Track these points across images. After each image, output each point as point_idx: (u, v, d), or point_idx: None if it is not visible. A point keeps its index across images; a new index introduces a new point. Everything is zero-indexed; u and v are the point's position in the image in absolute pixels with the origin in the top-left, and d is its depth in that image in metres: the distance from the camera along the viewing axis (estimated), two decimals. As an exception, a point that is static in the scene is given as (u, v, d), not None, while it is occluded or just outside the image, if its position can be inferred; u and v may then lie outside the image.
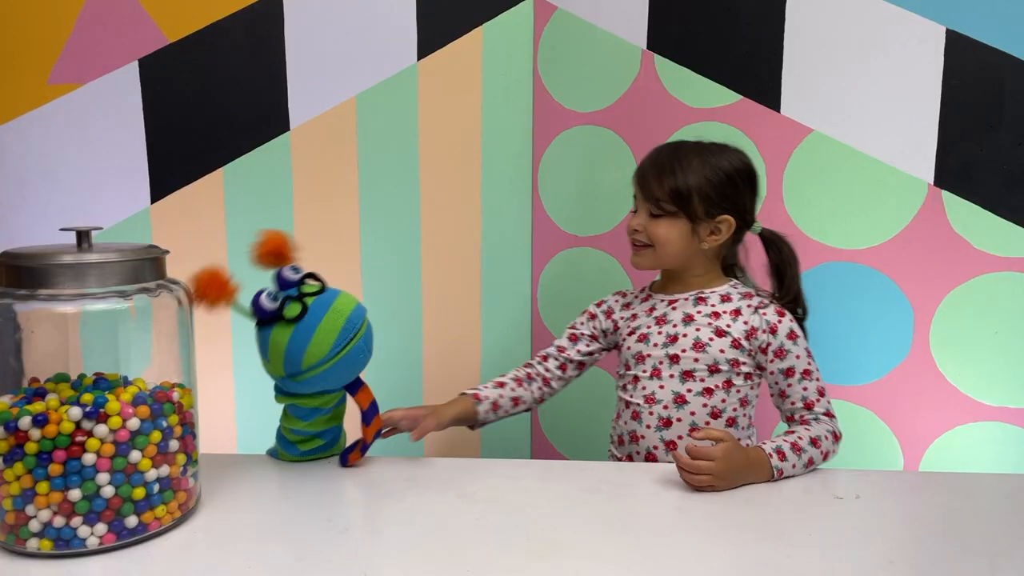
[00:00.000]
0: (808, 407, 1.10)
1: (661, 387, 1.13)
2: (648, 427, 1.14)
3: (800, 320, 1.16)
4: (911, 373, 1.45)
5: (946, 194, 1.39)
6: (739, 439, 1.11)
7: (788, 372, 1.10)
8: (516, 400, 1.19)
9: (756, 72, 1.50)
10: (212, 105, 1.53)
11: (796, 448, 1.01)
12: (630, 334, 1.19)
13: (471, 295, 1.77)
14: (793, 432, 1.05)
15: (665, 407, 1.13)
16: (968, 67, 1.35)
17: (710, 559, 0.76)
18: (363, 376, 1.01)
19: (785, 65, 1.48)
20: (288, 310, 0.88)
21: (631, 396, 1.16)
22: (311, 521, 0.83)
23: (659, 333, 1.15)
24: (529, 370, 1.24)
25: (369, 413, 1.00)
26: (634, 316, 1.21)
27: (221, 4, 1.51)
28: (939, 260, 1.41)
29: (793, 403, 1.10)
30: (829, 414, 1.10)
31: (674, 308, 1.16)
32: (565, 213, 1.75)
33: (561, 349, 1.25)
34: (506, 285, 1.80)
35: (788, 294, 1.16)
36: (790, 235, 1.50)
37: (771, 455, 0.99)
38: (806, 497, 0.93)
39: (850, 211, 1.46)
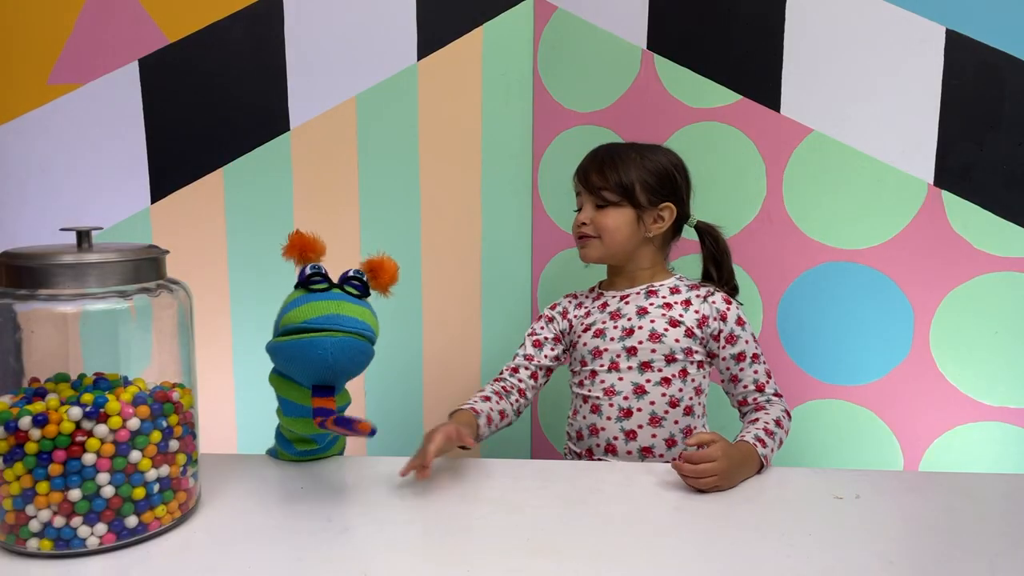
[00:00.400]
0: (759, 389, 1.15)
1: (620, 379, 1.16)
2: (608, 419, 1.16)
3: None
4: (911, 373, 1.45)
5: (946, 194, 1.39)
6: (695, 427, 1.17)
7: (739, 357, 1.15)
8: (502, 413, 1.18)
9: (756, 72, 1.50)
10: (212, 105, 1.53)
11: (769, 433, 1.05)
12: (585, 331, 1.21)
13: (471, 295, 1.77)
14: (757, 419, 1.09)
15: (625, 398, 1.15)
16: (968, 67, 1.35)
17: (710, 559, 0.76)
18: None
19: (785, 65, 1.48)
20: (315, 284, 0.89)
21: (589, 391, 1.18)
22: (311, 521, 0.83)
23: (615, 328, 1.18)
24: (503, 383, 1.22)
25: (319, 414, 0.88)
26: (588, 313, 1.24)
27: (221, 4, 1.51)
28: (939, 260, 1.41)
29: (745, 386, 1.16)
30: (778, 394, 1.16)
31: (626, 303, 1.20)
32: (565, 213, 1.75)
33: (530, 358, 1.25)
34: (506, 285, 1.80)
35: (727, 282, 1.22)
36: (790, 235, 1.51)
37: (755, 444, 1.02)
38: (806, 497, 0.93)
39: (850, 211, 1.46)
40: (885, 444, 1.49)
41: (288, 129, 1.58)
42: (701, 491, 0.93)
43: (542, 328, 1.27)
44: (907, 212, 1.42)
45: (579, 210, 1.23)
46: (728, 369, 1.16)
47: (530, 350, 1.26)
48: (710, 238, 1.23)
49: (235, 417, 1.61)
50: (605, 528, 0.82)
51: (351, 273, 0.93)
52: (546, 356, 1.25)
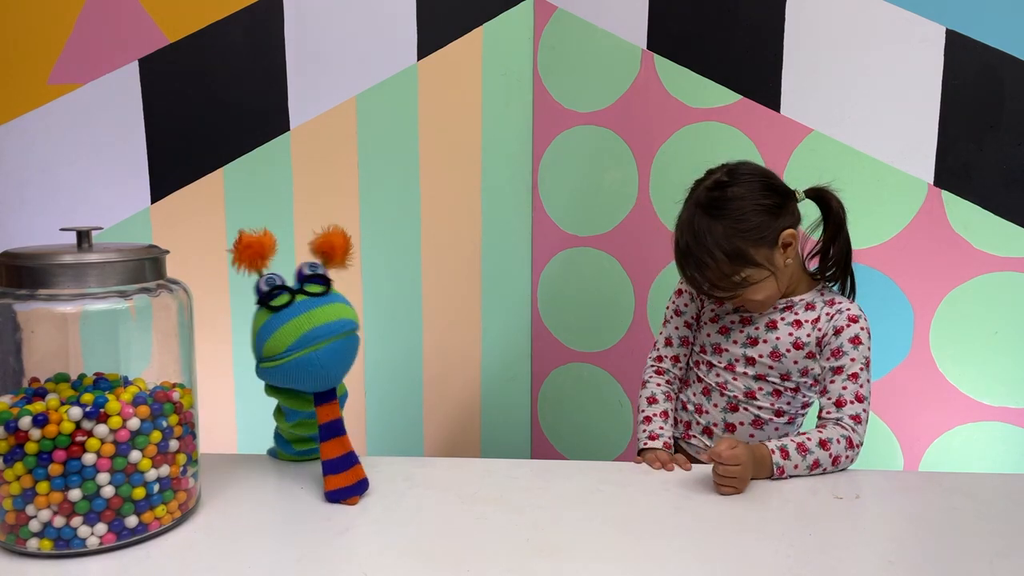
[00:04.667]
0: (838, 405, 1.05)
1: (734, 379, 1.15)
2: (715, 405, 1.16)
3: (848, 267, 1.14)
4: (911, 373, 1.45)
5: (946, 194, 1.39)
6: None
7: (837, 370, 1.07)
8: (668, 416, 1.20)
9: (756, 72, 1.50)
10: (212, 105, 1.53)
11: (802, 449, 1.00)
12: (712, 320, 1.19)
13: (471, 295, 1.77)
14: (804, 432, 1.04)
15: (735, 396, 1.15)
16: (968, 67, 1.35)
17: (710, 559, 0.76)
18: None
19: (785, 65, 1.48)
20: (276, 299, 0.87)
21: (705, 375, 1.18)
22: (311, 521, 0.83)
23: (741, 332, 1.15)
24: (668, 376, 1.22)
25: (328, 431, 0.89)
26: (719, 302, 1.18)
27: (221, 4, 1.51)
28: (939, 260, 1.41)
29: (829, 398, 1.07)
30: (856, 418, 1.04)
31: (760, 315, 1.14)
32: (565, 213, 1.75)
33: (686, 341, 1.22)
34: (506, 285, 1.80)
35: (844, 248, 1.13)
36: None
37: (773, 451, 0.98)
38: (806, 497, 0.93)
39: (850, 211, 1.45)
40: (885, 444, 1.49)
41: (288, 129, 1.58)
42: (721, 493, 0.93)
43: (686, 305, 1.22)
44: (907, 212, 1.42)
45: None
46: (823, 380, 1.08)
47: (684, 331, 1.22)
48: (824, 201, 1.13)
49: (235, 417, 1.61)
50: (605, 528, 0.82)
51: (306, 272, 0.90)
52: (693, 335, 1.22)
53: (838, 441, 1.01)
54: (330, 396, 0.89)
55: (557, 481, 0.96)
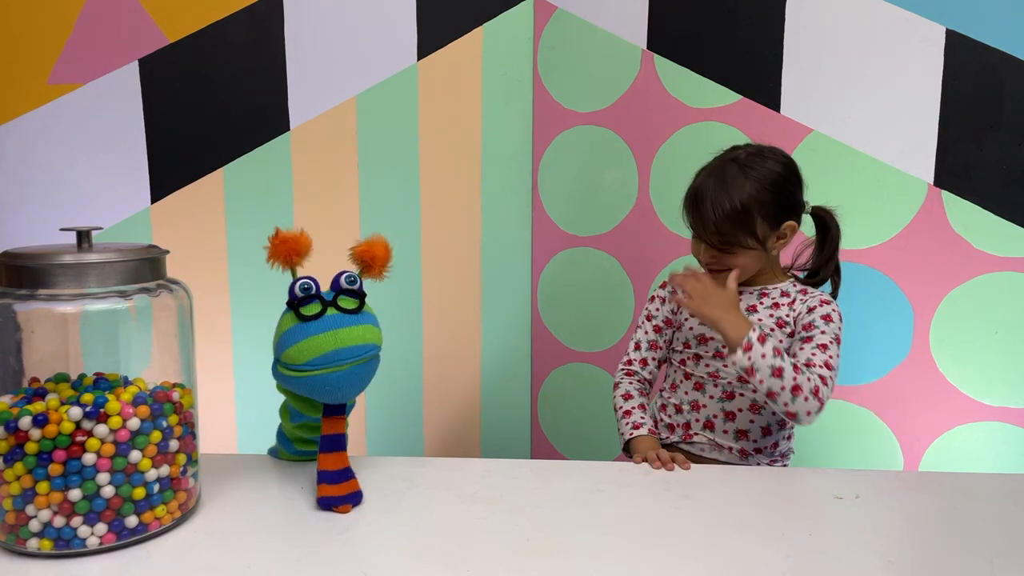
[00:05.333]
0: (807, 365, 1.06)
1: (725, 366, 1.17)
2: (711, 397, 1.17)
3: (837, 288, 1.20)
4: (911, 373, 1.45)
5: (946, 194, 1.39)
6: (792, 423, 1.15)
7: (807, 340, 1.10)
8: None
9: (756, 72, 1.50)
10: (212, 105, 1.53)
11: (778, 352, 1.02)
12: (693, 315, 1.20)
13: (471, 295, 1.77)
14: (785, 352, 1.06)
15: (729, 383, 1.16)
16: (968, 67, 1.35)
17: (710, 559, 0.76)
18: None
19: (785, 65, 1.48)
20: (307, 307, 0.86)
21: (692, 369, 1.19)
22: (311, 521, 0.83)
23: None
24: (638, 377, 1.25)
25: (330, 443, 0.89)
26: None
27: (221, 4, 1.51)
28: (939, 260, 1.41)
29: (797, 362, 1.06)
30: (824, 379, 1.05)
31: (739, 301, 1.16)
32: (565, 213, 1.75)
33: (655, 345, 1.25)
34: (506, 285, 1.80)
35: (834, 269, 1.19)
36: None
37: (754, 329, 1.02)
38: (806, 497, 0.93)
39: (850, 211, 1.45)
40: (885, 444, 1.49)
41: (288, 129, 1.58)
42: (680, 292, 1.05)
43: (657, 310, 1.25)
44: (907, 212, 1.42)
45: (695, 237, 1.17)
46: (792, 351, 1.11)
47: (653, 336, 1.25)
48: (823, 224, 1.18)
49: (235, 417, 1.61)
50: (605, 528, 0.82)
51: (343, 283, 0.88)
52: (665, 341, 1.25)
53: (809, 379, 1.03)
54: (339, 410, 0.89)
55: (557, 481, 0.95)
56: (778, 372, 1.02)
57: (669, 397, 1.24)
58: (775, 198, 1.11)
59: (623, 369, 1.26)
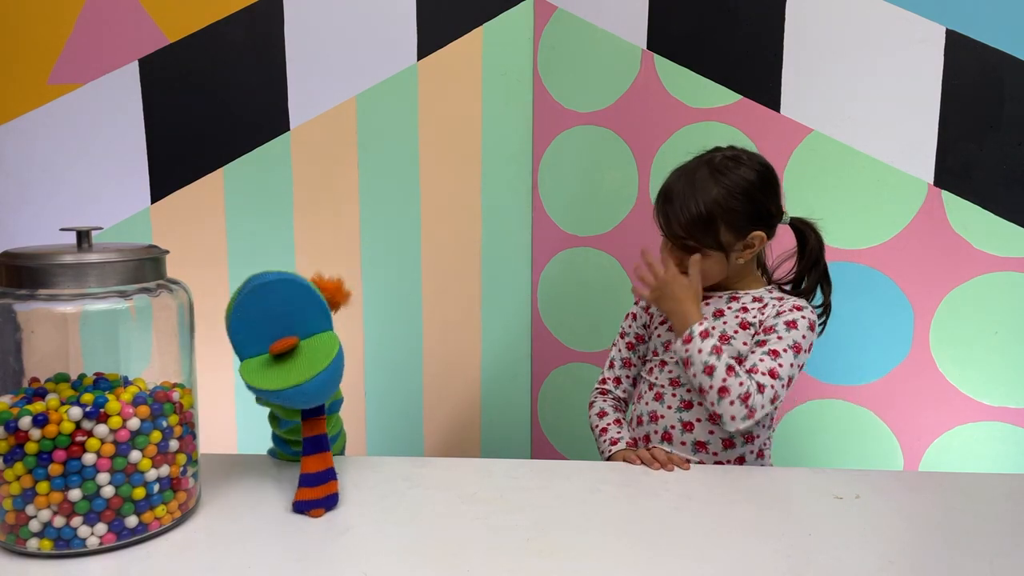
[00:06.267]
0: (750, 372, 1.04)
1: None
2: (669, 408, 1.15)
3: (825, 312, 1.17)
4: (911, 373, 1.45)
5: (946, 194, 1.39)
6: (758, 435, 1.14)
7: (760, 343, 1.08)
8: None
9: (756, 72, 1.50)
10: (212, 105, 1.53)
11: (716, 350, 1.04)
12: (661, 323, 1.20)
13: (471, 295, 1.77)
14: (726, 352, 1.06)
15: (688, 390, 1.14)
16: (968, 67, 1.35)
17: (710, 559, 0.76)
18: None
19: (785, 65, 1.48)
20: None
21: (656, 378, 1.18)
22: (311, 521, 0.83)
23: None
24: (612, 395, 1.25)
25: (312, 445, 0.88)
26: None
27: (221, 4, 1.51)
28: (939, 260, 1.41)
29: (743, 367, 1.05)
30: (760, 387, 1.02)
31: (707, 304, 1.16)
32: (565, 213, 1.75)
33: (628, 363, 1.25)
34: (506, 285, 1.80)
35: (819, 279, 1.17)
36: (790, 235, 1.50)
37: (701, 323, 1.06)
38: (806, 497, 0.93)
39: (850, 211, 1.46)
40: (885, 444, 1.49)
41: (288, 129, 1.58)
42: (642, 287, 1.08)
43: (630, 326, 1.25)
44: (907, 212, 1.42)
45: (663, 235, 1.16)
46: (749, 352, 1.09)
47: (626, 353, 1.24)
48: (801, 235, 1.17)
49: (235, 417, 1.61)
50: (605, 528, 0.82)
51: None
52: (639, 357, 1.25)
53: (741, 384, 1.02)
54: (317, 411, 0.89)
55: (557, 481, 0.95)
56: (709, 370, 1.03)
57: (632, 409, 1.23)
58: (743, 207, 1.09)
59: (597, 388, 1.26)
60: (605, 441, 1.17)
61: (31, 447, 0.73)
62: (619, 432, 1.17)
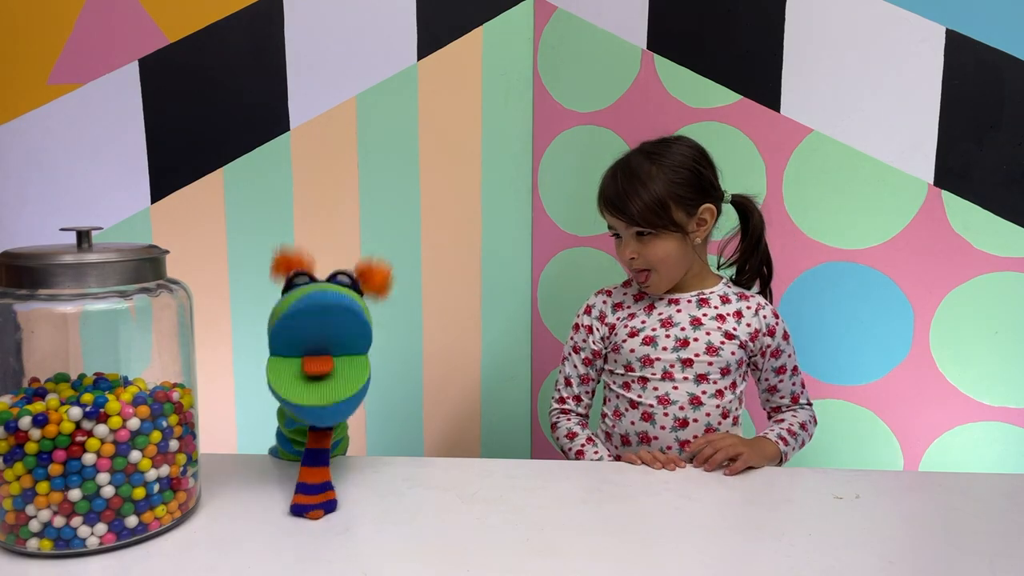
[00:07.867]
0: (795, 400, 1.20)
1: (675, 388, 1.12)
2: (663, 428, 1.13)
3: (767, 282, 1.22)
4: (911, 373, 1.45)
5: (946, 194, 1.39)
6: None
7: (780, 369, 1.19)
8: None
9: (756, 72, 1.51)
10: (212, 105, 1.53)
11: (792, 434, 1.13)
12: (631, 335, 1.15)
13: (471, 295, 1.77)
14: (783, 420, 1.18)
15: (681, 408, 1.12)
16: (968, 67, 1.35)
17: (710, 559, 0.76)
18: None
19: (785, 65, 1.48)
20: (298, 279, 0.88)
21: (639, 396, 1.14)
22: (311, 521, 0.83)
23: (667, 336, 1.13)
24: (575, 414, 1.22)
25: (312, 457, 0.88)
26: (631, 315, 1.17)
27: (221, 4, 1.51)
28: (939, 260, 1.41)
29: (782, 396, 1.20)
30: (809, 403, 1.22)
31: (678, 310, 1.15)
32: (565, 213, 1.75)
33: (586, 379, 1.22)
34: (506, 285, 1.80)
35: (761, 260, 1.20)
36: (790, 235, 1.50)
37: (777, 442, 1.10)
38: (806, 497, 0.93)
39: (850, 211, 1.46)
40: (885, 444, 1.49)
41: (288, 129, 1.58)
42: (732, 462, 1.00)
43: (584, 341, 1.20)
44: (907, 212, 1.42)
45: (616, 235, 1.16)
46: (767, 380, 1.19)
47: (583, 369, 1.21)
48: (745, 212, 1.19)
49: (235, 417, 1.61)
50: (605, 528, 0.82)
51: (337, 274, 0.91)
52: (596, 371, 1.22)
53: (813, 421, 1.19)
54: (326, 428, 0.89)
55: (557, 481, 0.96)
56: (801, 444, 1.16)
57: (613, 426, 1.18)
58: (689, 180, 1.11)
59: (557, 408, 1.23)
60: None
61: (31, 447, 0.73)
62: (596, 451, 1.14)
